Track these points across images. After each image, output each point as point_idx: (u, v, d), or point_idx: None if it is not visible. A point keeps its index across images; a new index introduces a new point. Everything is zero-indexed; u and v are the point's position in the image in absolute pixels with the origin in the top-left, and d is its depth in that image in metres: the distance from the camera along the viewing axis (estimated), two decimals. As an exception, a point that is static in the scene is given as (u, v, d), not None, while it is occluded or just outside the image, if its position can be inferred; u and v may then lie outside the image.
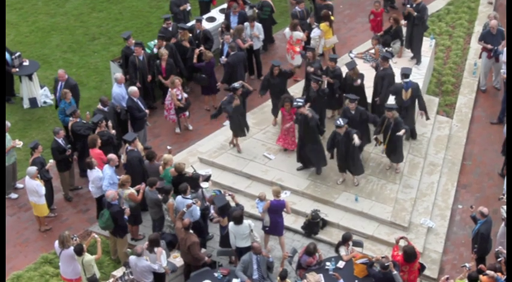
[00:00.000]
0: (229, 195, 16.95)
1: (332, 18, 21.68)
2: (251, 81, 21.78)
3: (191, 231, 16.01)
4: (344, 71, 19.55)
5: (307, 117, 18.04)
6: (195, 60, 20.80)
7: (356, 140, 17.56)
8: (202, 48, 20.78)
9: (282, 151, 19.48)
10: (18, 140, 18.75)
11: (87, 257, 15.59)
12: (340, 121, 17.74)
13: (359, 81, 19.00)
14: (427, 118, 19.33)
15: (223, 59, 20.83)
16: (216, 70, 21.22)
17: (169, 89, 19.96)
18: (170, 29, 21.46)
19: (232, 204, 16.86)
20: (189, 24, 22.01)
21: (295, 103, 18.38)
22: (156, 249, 15.69)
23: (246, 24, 21.64)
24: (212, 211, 16.97)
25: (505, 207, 16.80)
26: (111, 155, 17.50)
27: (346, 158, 18.06)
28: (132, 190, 17.00)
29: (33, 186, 17.42)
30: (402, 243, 15.93)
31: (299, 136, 18.65)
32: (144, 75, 20.55)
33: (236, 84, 18.98)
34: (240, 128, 19.26)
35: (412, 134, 19.45)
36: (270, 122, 20.28)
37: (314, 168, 18.89)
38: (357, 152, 18.07)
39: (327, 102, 19.37)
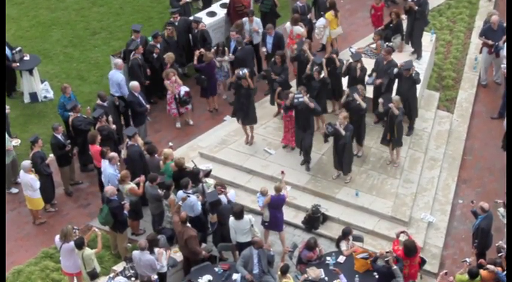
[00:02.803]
0: (221, 191, 16.83)
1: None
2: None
3: (188, 224, 16.02)
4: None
5: (309, 108, 18.09)
6: (195, 62, 20.72)
7: (341, 131, 17.69)
8: (202, 49, 20.67)
9: (282, 146, 19.49)
10: (15, 139, 18.82)
11: (87, 251, 15.60)
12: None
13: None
14: None
15: (231, 56, 20.75)
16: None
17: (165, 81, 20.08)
18: (176, 23, 21.42)
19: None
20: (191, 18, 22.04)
21: (295, 100, 18.28)
22: (156, 250, 15.69)
23: (245, 19, 21.59)
24: None
25: (501, 209, 16.79)
26: (113, 154, 17.49)
27: (342, 153, 18.08)
28: (132, 185, 17.01)
29: (27, 180, 17.45)
30: (402, 237, 15.93)
31: (298, 126, 18.55)
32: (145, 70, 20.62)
33: (240, 72, 19.01)
34: (235, 110, 19.44)
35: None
36: (271, 116, 20.32)
37: (315, 163, 18.91)
38: (349, 149, 18.11)
39: (328, 93, 19.42)
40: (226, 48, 20.87)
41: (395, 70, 18.99)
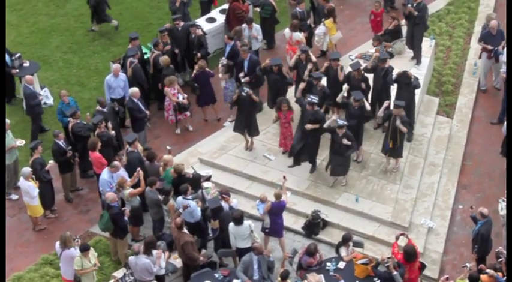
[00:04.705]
0: (223, 197, 16.84)
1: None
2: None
3: (185, 230, 16.00)
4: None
5: (318, 116, 18.10)
6: (192, 75, 20.67)
7: (345, 141, 17.69)
8: (203, 60, 20.62)
9: (282, 152, 19.48)
10: (20, 140, 18.79)
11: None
12: (342, 121, 17.76)
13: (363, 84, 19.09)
14: None
15: (223, 59, 20.77)
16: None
17: (165, 87, 20.04)
18: (179, 29, 21.42)
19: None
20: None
21: (309, 99, 18.22)
22: (154, 252, 15.67)
23: (244, 25, 21.58)
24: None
25: (502, 203, 16.81)
26: (116, 162, 17.46)
27: (338, 155, 18.07)
28: (131, 189, 16.98)
29: (26, 187, 17.46)
30: (402, 241, 15.91)
31: (301, 131, 18.52)
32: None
33: (243, 93, 18.96)
34: (237, 124, 19.40)
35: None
36: (270, 122, 20.30)
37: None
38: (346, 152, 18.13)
39: (329, 100, 19.41)
40: (234, 69, 20.68)
41: (394, 76, 19.01)
